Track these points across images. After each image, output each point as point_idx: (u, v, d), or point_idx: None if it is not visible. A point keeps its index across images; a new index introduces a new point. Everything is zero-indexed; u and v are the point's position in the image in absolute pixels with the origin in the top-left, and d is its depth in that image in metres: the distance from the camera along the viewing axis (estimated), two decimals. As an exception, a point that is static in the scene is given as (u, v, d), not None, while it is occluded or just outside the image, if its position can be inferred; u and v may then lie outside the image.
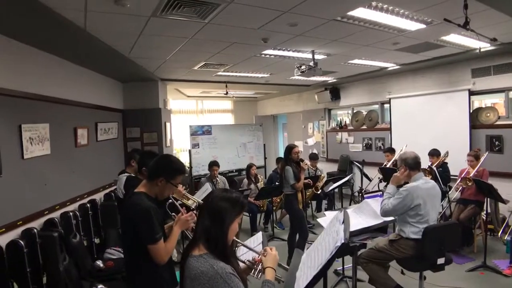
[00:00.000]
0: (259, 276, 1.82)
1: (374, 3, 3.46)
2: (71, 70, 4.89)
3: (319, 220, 3.55)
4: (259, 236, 2.36)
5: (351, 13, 3.68)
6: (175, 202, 2.57)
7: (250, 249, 1.92)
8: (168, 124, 7.52)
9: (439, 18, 3.89)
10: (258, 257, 1.84)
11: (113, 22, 3.53)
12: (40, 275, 3.39)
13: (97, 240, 4.74)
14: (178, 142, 10.06)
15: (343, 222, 1.74)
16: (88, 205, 4.74)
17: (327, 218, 3.55)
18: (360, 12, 3.68)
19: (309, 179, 5.58)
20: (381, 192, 4.25)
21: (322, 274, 1.59)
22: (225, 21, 3.71)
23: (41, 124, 3.98)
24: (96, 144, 5.53)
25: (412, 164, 3.30)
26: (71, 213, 4.24)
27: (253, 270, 1.84)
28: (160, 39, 4.26)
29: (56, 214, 4.16)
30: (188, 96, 10.64)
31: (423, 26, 4.17)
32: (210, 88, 8.92)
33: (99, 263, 3.75)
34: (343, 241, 1.55)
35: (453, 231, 3.26)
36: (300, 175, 4.62)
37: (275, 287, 1.70)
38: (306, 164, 4.75)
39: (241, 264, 1.86)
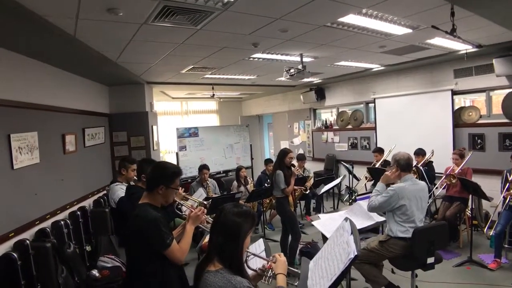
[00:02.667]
0: (269, 282, 1.89)
1: (364, 10, 3.54)
2: (58, 76, 4.80)
3: (314, 223, 3.61)
4: (260, 243, 2.41)
5: (341, 19, 3.74)
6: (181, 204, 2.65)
7: (260, 257, 1.97)
8: (155, 127, 7.46)
9: (426, 24, 4.00)
10: (268, 264, 1.90)
11: (104, 30, 3.49)
12: (35, 287, 3.34)
13: (88, 248, 4.68)
14: (163, 144, 9.97)
15: (351, 233, 1.79)
16: (78, 212, 4.67)
17: (321, 221, 3.63)
18: (350, 19, 3.75)
19: (301, 186, 5.65)
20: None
21: (336, 285, 1.64)
22: (217, 28, 3.72)
23: (29, 133, 3.89)
24: (84, 150, 5.44)
25: (404, 165, 3.40)
26: (62, 222, 4.17)
27: (264, 277, 1.90)
28: (150, 45, 4.24)
29: (47, 224, 4.09)
30: (173, 98, 10.56)
31: (409, 30, 4.28)
32: (196, 90, 8.88)
33: (95, 272, 3.71)
34: (356, 253, 1.60)
35: (442, 231, 3.37)
36: (290, 180, 4.67)
37: None
38: (298, 170, 4.80)
39: (250, 272, 1.91)
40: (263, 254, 2.13)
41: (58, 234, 4.04)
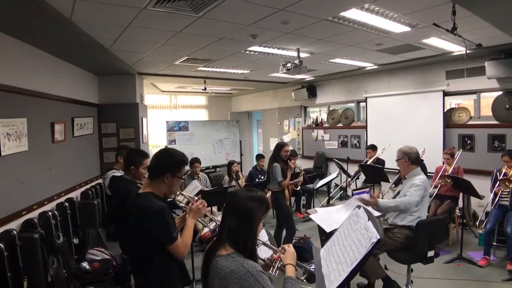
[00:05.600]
0: (276, 273, 1.85)
1: (366, 5, 3.52)
2: (49, 62, 4.63)
3: (311, 216, 3.57)
4: (263, 233, 2.36)
5: (343, 13, 3.72)
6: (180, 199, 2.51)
7: (269, 247, 1.92)
8: (145, 120, 7.31)
9: (425, 22, 4.02)
10: (277, 254, 1.87)
11: (102, 13, 3.38)
12: (21, 280, 3.20)
13: (76, 241, 4.54)
14: (152, 138, 9.81)
15: (369, 219, 1.78)
16: (66, 204, 4.51)
17: (318, 215, 3.59)
18: (352, 13, 3.74)
19: (299, 178, 5.62)
20: (368, 189, 4.37)
21: (358, 269, 1.62)
22: (219, 16, 3.65)
23: (18, 119, 3.74)
24: (73, 140, 5.27)
25: (414, 158, 3.45)
26: (50, 213, 4.02)
27: (271, 267, 1.86)
28: (147, 32, 4.12)
29: (34, 214, 3.94)
30: (163, 91, 10.40)
31: (408, 29, 4.29)
32: (187, 83, 8.77)
33: (85, 264, 3.58)
34: (378, 237, 1.59)
35: (441, 226, 3.42)
36: (287, 173, 4.65)
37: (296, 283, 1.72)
38: (294, 163, 4.78)
39: (258, 261, 1.86)
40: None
41: (46, 226, 3.89)
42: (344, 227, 1.98)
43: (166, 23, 3.83)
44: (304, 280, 1.93)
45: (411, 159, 3.41)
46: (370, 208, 3.32)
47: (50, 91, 4.55)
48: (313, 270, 1.91)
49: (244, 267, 1.53)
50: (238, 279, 1.51)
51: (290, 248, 1.85)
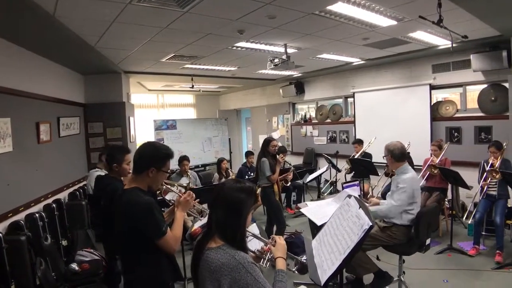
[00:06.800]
0: (267, 266, 1.83)
1: (353, -2, 3.53)
2: (33, 61, 4.54)
3: (302, 210, 3.57)
4: (254, 227, 2.34)
5: (330, 7, 3.72)
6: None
7: (259, 238, 1.90)
8: (132, 119, 7.23)
9: (411, 15, 4.04)
10: (267, 246, 1.84)
11: (86, 8, 3.31)
12: (9, 283, 3.13)
13: (64, 242, 4.45)
14: (140, 137, 9.70)
15: (360, 207, 1.77)
16: (54, 205, 4.43)
17: (309, 208, 3.60)
18: (339, 7, 3.74)
19: (289, 173, 5.62)
20: (357, 182, 4.38)
21: (351, 256, 1.61)
22: (205, 11, 3.61)
23: (2, 119, 3.65)
24: (59, 140, 5.18)
25: (398, 155, 3.39)
26: (37, 215, 3.94)
27: (262, 259, 1.84)
28: (133, 28, 4.06)
29: (21, 216, 3.86)
30: (150, 90, 10.29)
31: (394, 22, 4.31)
32: (174, 82, 8.69)
33: (74, 266, 3.51)
34: (370, 224, 1.58)
35: (435, 214, 3.45)
36: (276, 168, 4.64)
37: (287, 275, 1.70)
38: (282, 157, 4.77)
39: (249, 254, 1.84)
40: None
41: (33, 227, 3.81)
42: (335, 217, 1.98)
43: (151, 19, 3.77)
44: (296, 272, 1.91)
45: (394, 156, 3.37)
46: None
47: (35, 90, 4.46)
48: (304, 261, 1.90)
49: (235, 259, 1.51)
50: (230, 272, 1.49)
51: (280, 241, 1.82)
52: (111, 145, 4.51)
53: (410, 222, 3.27)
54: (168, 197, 2.80)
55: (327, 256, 1.75)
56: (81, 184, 5.85)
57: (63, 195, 5.13)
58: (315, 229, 3.58)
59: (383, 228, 3.39)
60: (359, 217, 1.70)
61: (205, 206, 2.58)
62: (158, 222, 1.94)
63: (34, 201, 4.27)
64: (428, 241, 3.25)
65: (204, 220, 2.34)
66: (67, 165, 5.47)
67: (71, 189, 5.41)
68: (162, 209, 2.33)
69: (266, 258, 1.83)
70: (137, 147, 2.20)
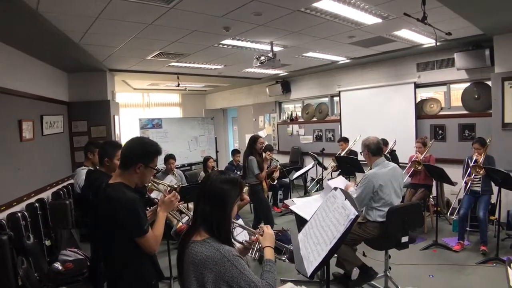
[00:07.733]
0: (256, 256, 1.83)
1: (339, -4, 3.56)
2: (15, 57, 4.44)
3: (291, 207, 3.59)
4: (240, 222, 2.33)
5: (316, 4, 3.75)
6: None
7: (246, 229, 1.89)
8: (117, 118, 7.14)
9: (396, 13, 4.09)
10: (255, 236, 1.83)
11: (70, 3, 3.26)
12: (-10, 283, 3.06)
13: (47, 242, 4.37)
14: (125, 136, 9.59)
15: (346, 198, 1.79)
16: (37, 204, 4.34)
17: (297, 205, 3.61)
18: (324, 4, 3.77)
19: (276, 168, 5.63)
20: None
21: (337, 247, 1.61)
22: (190, 7, 3.59)
23: (-17, 116, 3.57)
24: (42, 139, 5.08)
25: (374, 149, 3.45)
26: (19, 214, 3.85)
27: (251, 250, 1.83)
28: (117, 24, 4.01)
29: (2, 216, 3.77)
30: (135, 89, 10.18)
31: (379, 20, 4.37)
32: (160, 80, 8.62)
33: (57, 265, 3.44)
34: (356, 214, 1.59)
35: (415, 211, 3.48)
36: (263, 165, 4.65)
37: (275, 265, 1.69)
38: (270, 154, 4.79)
39: (237, 245, 1.84)
40: (245, 230, 2.05)
41: (15, 227, 3.72)
42: (321, 209, 1.99)
43: (136, 15, 3.74)
44: (286, 260, 1.91)
45: (371, 151, 3.42)
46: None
47: (16, 87, 4.36)
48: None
49: (220, 252, 1.49)
50: (214, 265, 1.48)
51: (268, 230, 1.81)
52: (98, 142, 4.43)
53: (382, 218, 3.30)
54: (152, 195, 2.77)
55: (313, 247, 1.75)
56: (65, 184, 5.74)
57: (47, 195, 5.02)
58: (302, 226, 3.60)
59: (359, 224, 3.43)
60: (345, 207, 1.72)
61: (191, 206, 2.57)
62: (140, 219, 1.90)
63: (16, 200, 4.18)
64: (405, 239, 3.25)
65: (189, 216, 2.32)
66: (50, 164, 5.37)
67: (54, 189, 5.30)
68: (147, 208, 2.30)
69: (255, 248, 1.82)
70: (122, 145, 2.16)
